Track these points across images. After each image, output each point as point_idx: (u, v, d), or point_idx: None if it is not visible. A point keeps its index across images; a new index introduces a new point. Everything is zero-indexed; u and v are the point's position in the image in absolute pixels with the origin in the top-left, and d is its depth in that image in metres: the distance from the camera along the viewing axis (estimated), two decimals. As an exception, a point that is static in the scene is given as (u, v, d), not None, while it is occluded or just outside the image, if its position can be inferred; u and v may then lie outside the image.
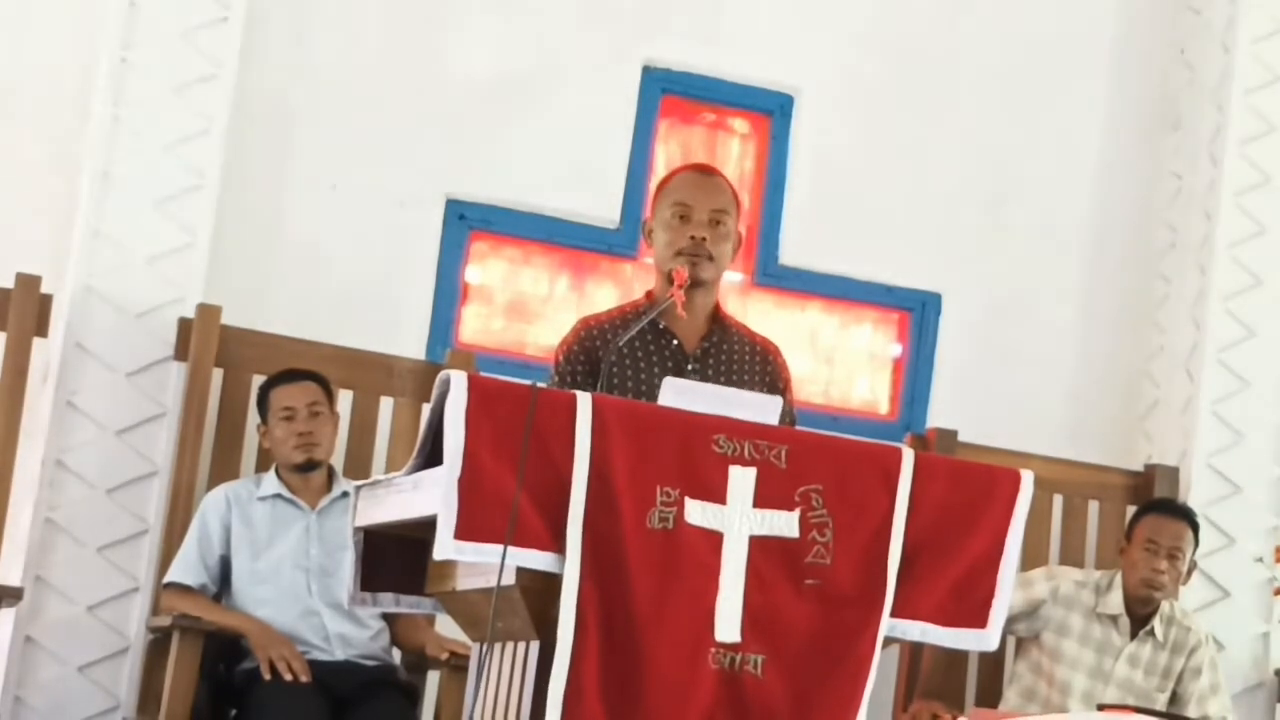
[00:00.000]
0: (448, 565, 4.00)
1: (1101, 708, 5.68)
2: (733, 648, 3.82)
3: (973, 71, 6.80)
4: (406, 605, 4.32)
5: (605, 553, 3.74)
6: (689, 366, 4.60)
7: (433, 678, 5.68)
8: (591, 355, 4.59)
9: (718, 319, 4.69)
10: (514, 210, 6.36)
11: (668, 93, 6.55)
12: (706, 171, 4.78)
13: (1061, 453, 6.61)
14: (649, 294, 4.72)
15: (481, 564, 3.77)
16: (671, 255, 4.59)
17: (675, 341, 4.62)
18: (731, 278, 6.48)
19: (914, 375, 6.72)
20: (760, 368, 4.66)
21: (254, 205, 6.09)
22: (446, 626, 5.07)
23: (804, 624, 3.86)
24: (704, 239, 4.58)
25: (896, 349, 6.75)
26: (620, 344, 4.51)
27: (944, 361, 6.72)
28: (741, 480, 3.86)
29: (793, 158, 6.62)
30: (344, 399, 5.93)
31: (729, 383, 4.60)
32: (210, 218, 5.92)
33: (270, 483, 5.63)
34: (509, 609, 3.78)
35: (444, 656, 5.46)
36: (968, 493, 4.02)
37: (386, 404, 6.02)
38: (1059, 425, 6.76)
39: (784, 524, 3.88)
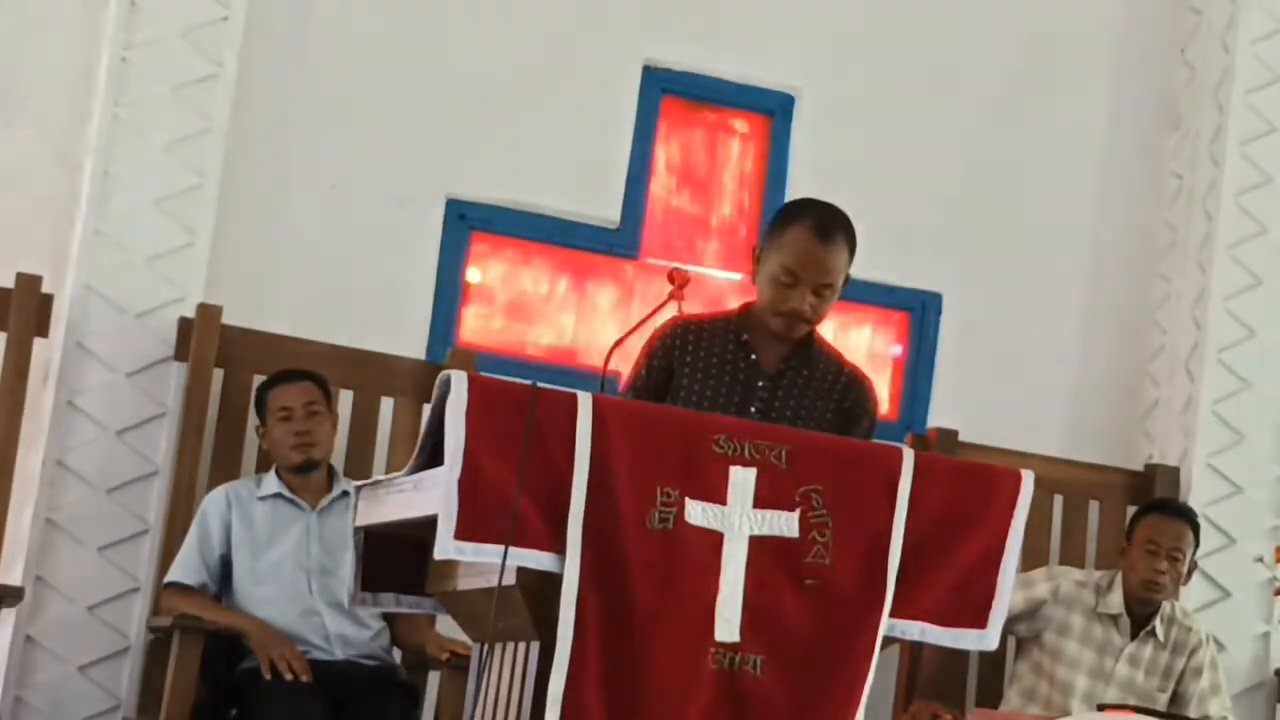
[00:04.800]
0: (449, 565, 4.00)
1: (1102, 708, 5.68)
2: (732, 648, 3.82)
3: (973, 71, 6.80)
4: (407, 605, 4.32)
5: (605, 553, 3.74)
6: (760, 384, 4.55)
7: (433, 678, 5.68)
8: (670, 353, 4.57)
9: (807, 343, 4.60)
10: (514, 210, 6.37)
11: (668, 93, 6.55)
12: (825, 235, 4.52)
13: (1061, 453, 6.61)
14: (746, 305, 4.68)
15: (482, 564, 3.77)
16: (772, 312, 4.53)
17: (754, 357, 4.57)
18: (732, 278, 6.49)
19: (914, 375, 6.72)
20: (840, 395, 4.59)
21: (254, 205, 6.09)
22: (447, 626, 5.07)
23: (803, 624, 3.86)
24: (804, 310, 4.51)
25: (896, 349, 6.75)
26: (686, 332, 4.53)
27: (944, 361, 6.72)
28: (742, 480, 3.86)
29: (793, 158, 6.63)
30: (344, 399, 5.94)
31: (799, 406, 4.54)
32: (210, 218, 5.92)
33: (271, 482, 5.64)
34: (509, 609, 3.78)
35: (444, 656, 5.46)
36: (968, 493, 4.01)
37: (386, 404, 6.02)
38: (1059, 425, 6.76)
39: (784, 524, 3.87)
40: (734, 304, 4.79)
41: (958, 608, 3.98)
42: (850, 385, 4.63)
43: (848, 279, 4.60)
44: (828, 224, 4.55)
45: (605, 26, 6.47)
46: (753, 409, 4.51)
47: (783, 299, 4.50)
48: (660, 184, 6.55)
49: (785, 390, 4.56)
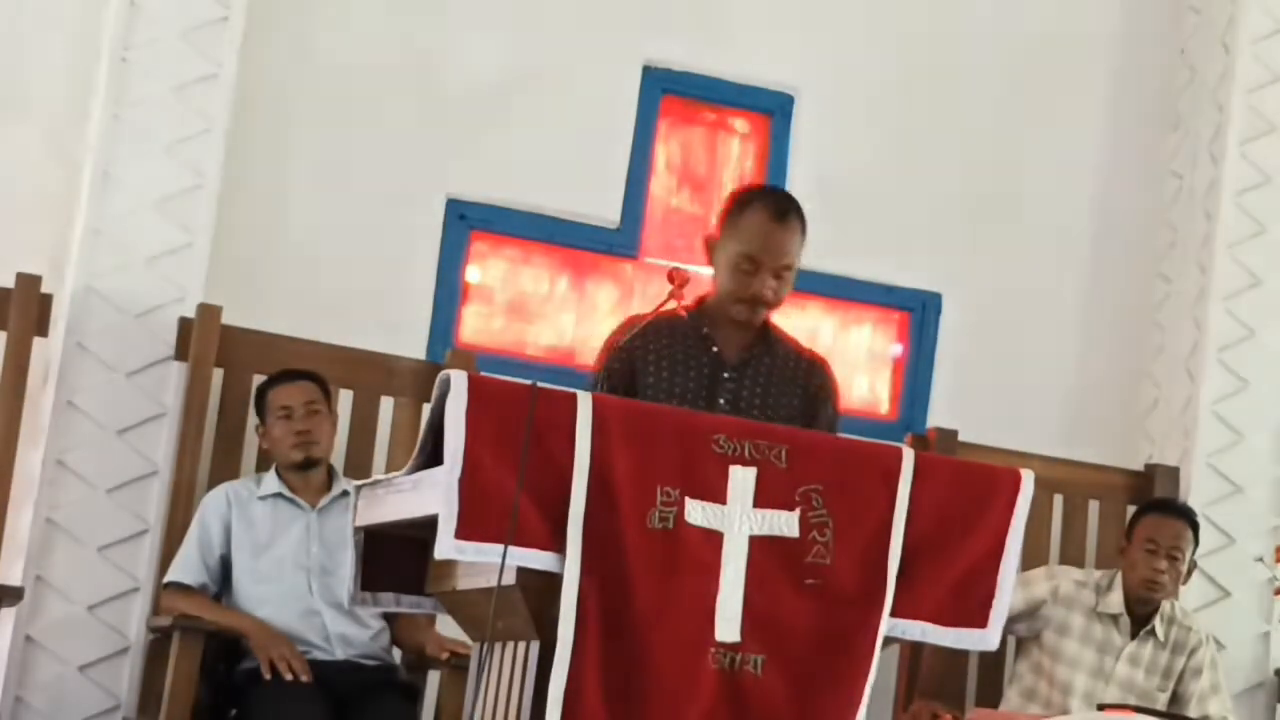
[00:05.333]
0: (448, 565, 4.00)
1: (1102, 707, 5.68)
2: (732, 648, 3.82)
3: (973, 71, 6.80)
4: (407, 605, 4.31)
5: (605, 552, 3.74)
6: (725, 375, 4.58)
7: (433, 678, 5.68)
8: (630, 354, 4.58)
9: (765, 332, 4.66)
10: (514, 210, 6.37)
11: (668, 93, 6.55)
12: (781, 215, 4.56)
13: (1061, 453, 6.60)
14: (700, 299, 4.70)
15: (482, 564, 3.77)
16: (732, 301, 4.56)
17: (715, 349, 4.60)
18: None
19: (914, 375, 6.72)
20: (804, 379, 4.64)
21: (254, 205, 6.09)
22: (447, 626, 5.07)
23: (804, 624, 3.86)
24: (767, 295, 4.54)
25: (896, 349, 6.75)
26: (646, 341, 4.51)
27: (944, 361, 6.72)
28: (742, 480, 3.86)
29: (793, 158, 6.63)
30: (344, 399, 5.94)
31: (766, 394, 4.58)
32: (210, 218, 5.92)
33: (271, 482, 5.64)
34: (509, 609, 3.78)
35: (444, 656, 5.46)
36: (968, 493, 4.01)
37: (386, 404, 6.02)
38: (1059, 425, 6.76)
39: (784, 524, 3.88)
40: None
41: (958, 607, 3.98)
42: (811, 369, 4.68)
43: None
44: (782, 206, 4.60)
45: (605, 26, 6.47)
46: (722, 401, 4.53)
47: (744, 285, 4.54)
48: (660, 184, 6.55)
49: (751, 379, 4.59)
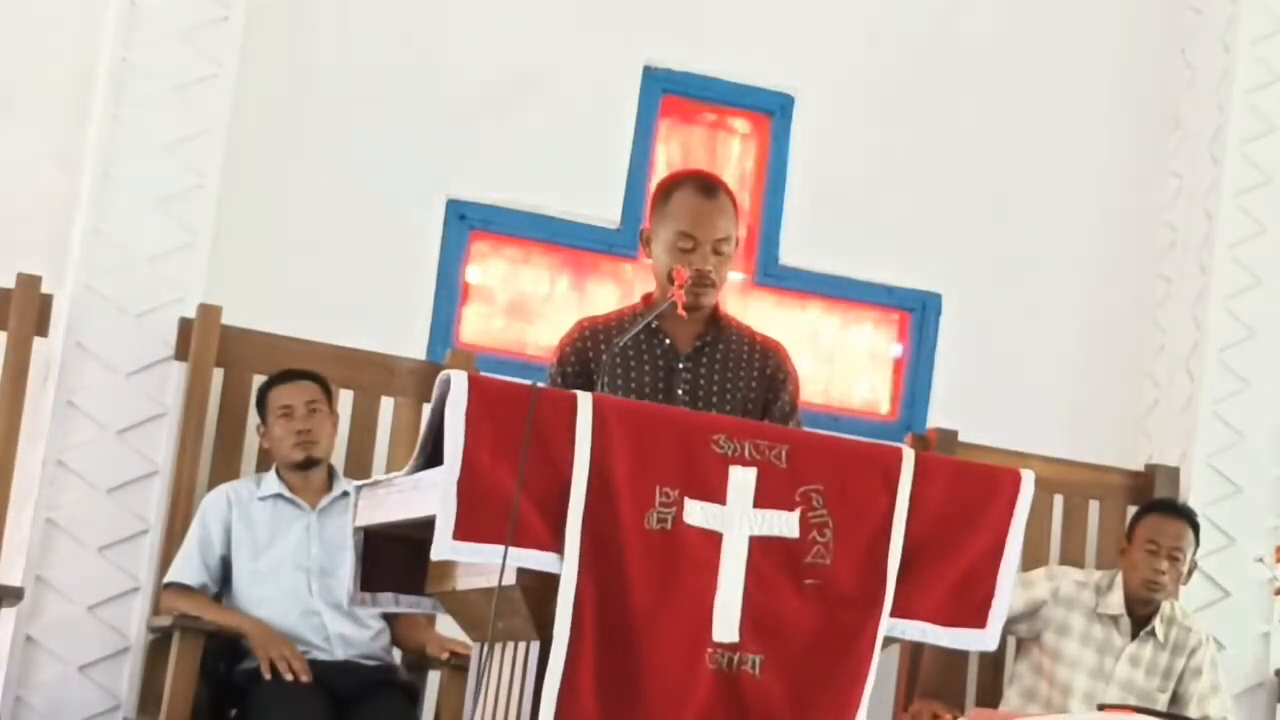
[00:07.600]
0: (448, 565, 4.01)
1: (1102, 708, 5.68)
2: (731, 648, 3.82)
3: (973, 71, 6.80)
4: (406, 605, 4.32)
5: (604, 553, 3.74)
6: (680, 365, 4.59)
7: (433, 678, 5.68)
8: (583, 357, 4.59)
9: (715, 320, 4.67)
10: (514, 210, 6.37)
11: (668, 93, 6.55)
12: (709, 191, 4.60)
13: (1061, 453, 6.60)
14: (646, 297, 4.71)
15: (481, 564, 3.78)
16: (677, 284, 4.55)
17: (668, 341, 4.61)
18: (732, 277, 6.46)
19: (914, 375, 6.72)
20: (760, 365, 4.64)
21: (254, 205, 6.09)
22: (447, 626, 5.07)
23: (804, 624, 3.86)
24: (709, 271, 4.55)
25: (897, 349, 6.75)
26: (617, 346, 4.50)
27: (944, 361, 6.72)
28: (741, 480, 3.86)
29: (793, 158, 6.63)
30: (344, 399, 5.94)
31: (722, 381, 4.59)
32: (210, 218, 5.92)
33: (271, 482, 5.64)
34: (509, 609, 3.79)
35: (444, 656, 5.46)
36: (968, 493, 4.01)
37: (386, 404, 6.02)
38: (1059, 425, 6.76)
39: (784, 524, 3.88)
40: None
41: (958, 608, 3.98)
42: (766, 353, 4.68)
43: (739, 243, 4.66)
44: (708, 183, 4.65)
45: (605, 26, 6.47)
46: (679, 391, 4.54)
47: (685, 265, 4.52)
48: (660, 184, 6.54)
49: (706, 367, 4.59)
